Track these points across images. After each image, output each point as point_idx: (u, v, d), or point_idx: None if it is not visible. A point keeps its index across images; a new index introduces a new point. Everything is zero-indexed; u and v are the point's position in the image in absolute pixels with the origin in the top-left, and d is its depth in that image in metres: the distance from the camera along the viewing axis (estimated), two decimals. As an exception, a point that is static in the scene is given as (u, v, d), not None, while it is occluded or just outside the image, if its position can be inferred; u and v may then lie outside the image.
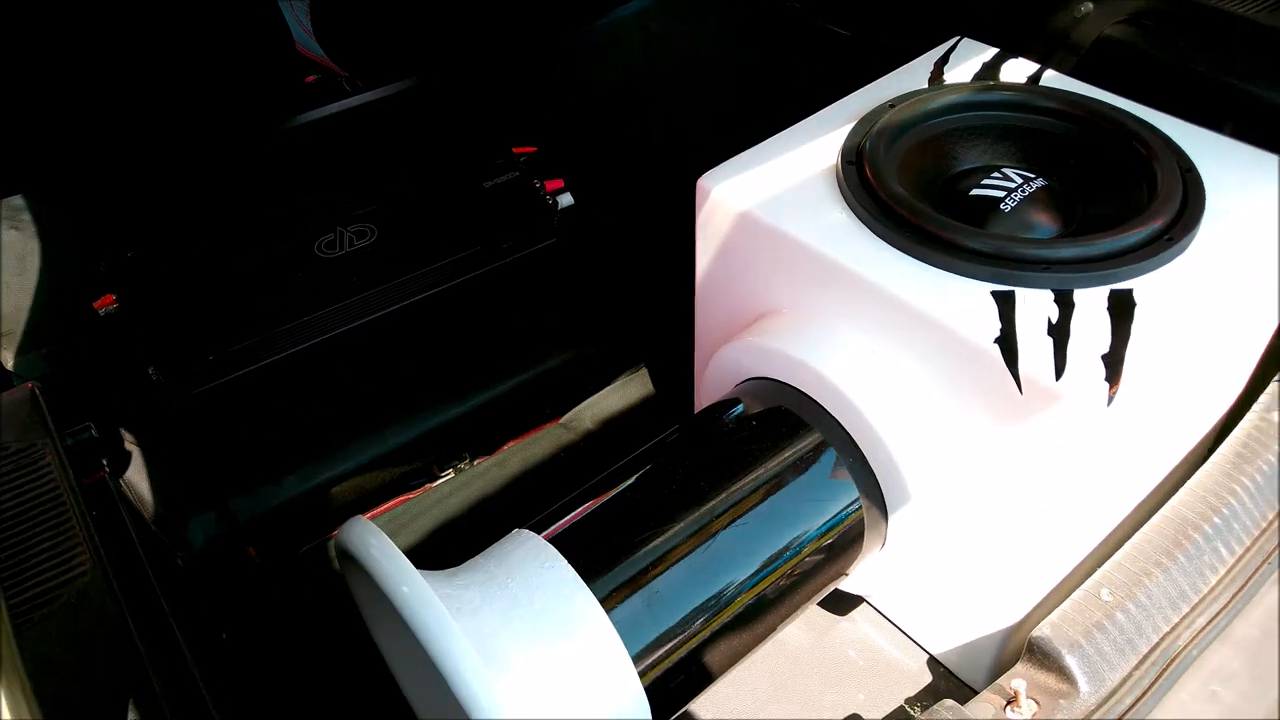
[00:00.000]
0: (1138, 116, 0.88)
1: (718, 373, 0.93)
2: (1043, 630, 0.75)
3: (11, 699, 0.50)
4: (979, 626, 0.88)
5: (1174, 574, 0.80)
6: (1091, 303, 0.75)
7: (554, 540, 0.76)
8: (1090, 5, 1.04)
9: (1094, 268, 0.76)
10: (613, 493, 0.80)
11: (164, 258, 1.13)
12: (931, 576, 0.88)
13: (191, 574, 0.98)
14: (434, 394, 1.17)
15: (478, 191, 1.23)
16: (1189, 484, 0.85)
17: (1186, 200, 0.80)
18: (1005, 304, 0.75)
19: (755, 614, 0.79)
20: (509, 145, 1.28)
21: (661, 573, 0.75)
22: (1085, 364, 0.71)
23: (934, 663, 0.95)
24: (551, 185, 1.25)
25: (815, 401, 0.83)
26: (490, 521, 0.79)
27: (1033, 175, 0.87)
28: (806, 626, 0.99)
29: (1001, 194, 0.86)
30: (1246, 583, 0.82)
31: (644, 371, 1.24)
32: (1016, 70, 0.99)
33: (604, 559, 0.75)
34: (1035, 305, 0.75)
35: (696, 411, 0.94)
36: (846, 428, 0.82)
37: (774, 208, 0.86)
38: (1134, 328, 0.73)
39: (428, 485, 1.14)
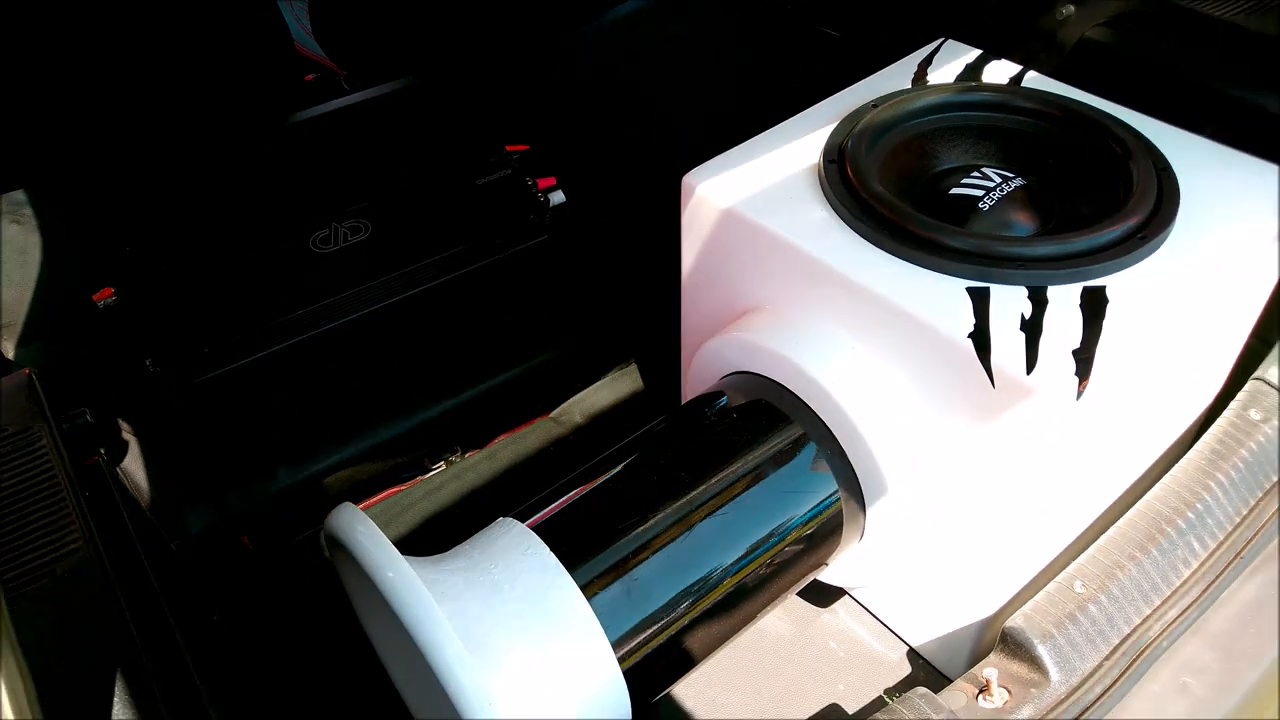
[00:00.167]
0: (1115, 117, 0.90)
1: (702, 367, 0.95)
2: (1016, 621, 0.77)
3: (7, 674, 0.51)
4: (956, 618, 0.89)
5: (1147, 568, 0.81)
6: (1065, 300, 0.77)
7: (537, 528, 0.77)
8: (1072, 8, 1.06)
9: (1067, 265, 0.77)
10: (595, 482, 0.82)
11: (162, 252, 1.15)
12: (909, 569, 0.90)
13: (184, 558, 1.00)
14: (426, 387, 1.18)
15: (471, 189, 1.25)
16: (1164, 479, 0.86)
17: (1161, 199, 0.82)
18: (980, 300, 0.77)
19: (734, 603, 0.81)
20: (502, 143, 1.30)
21: (642, 560, 0.77)
22: (1057, 359, 0.73)
23: (913, 654, 0.97)
24: (544, 183, 1.27)
25: (795, 395, 0.85)
26: (480, 513, 0.80)
27: (1011, 175, 0.89)
28: (788, 618, 1.00)
29: (980, 193, 0.87)
30: (1219, 577, 0.84)
31: (633, 367, 1.26)
32: (999, 71, 1.00)
33: (586, 546, 0.77)
34: (1009, 301, 0.76)
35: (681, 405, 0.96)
36: (825, 421, 0.83)
37: (756, 205, 0.87)
38: (1106, 324, 0.75)
39: (419, 477, 1.16)
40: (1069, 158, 0.89)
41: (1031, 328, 0.75)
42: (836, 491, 0.84)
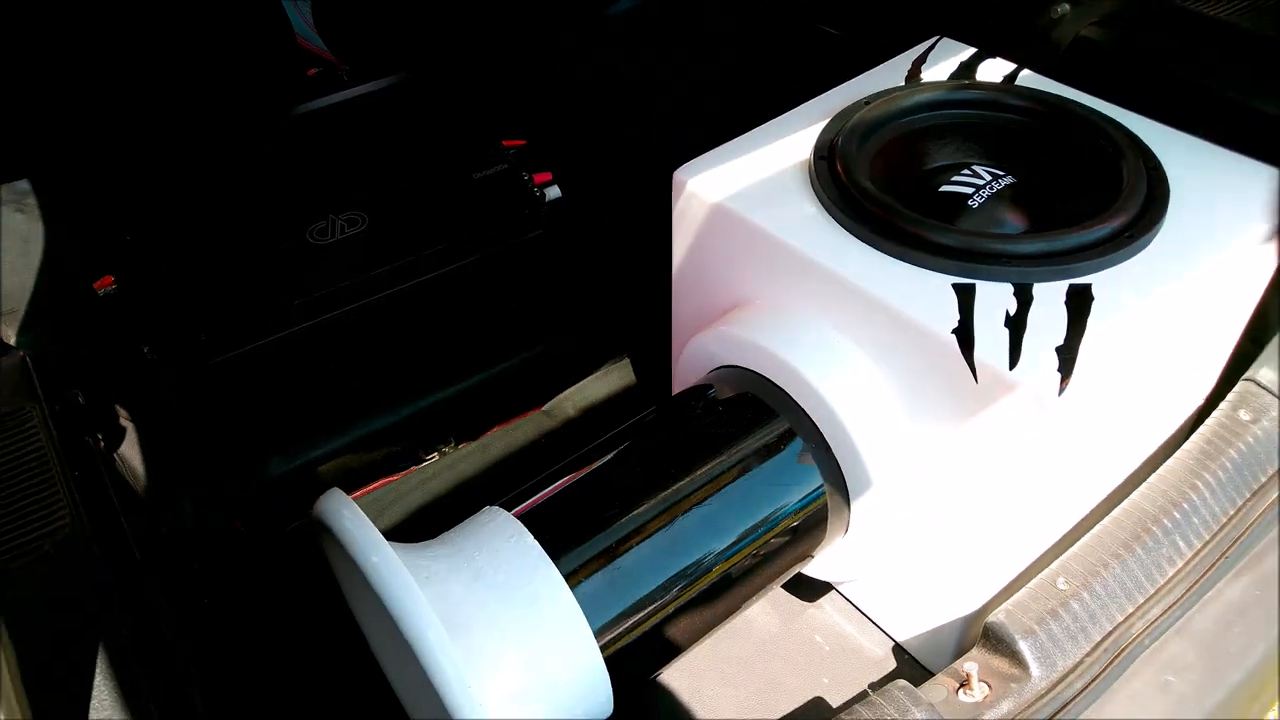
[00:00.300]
0: (1106, 115, 0.90)
1: (691, 361, 0.96)
2: (998, 616, 0.77)
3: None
4: (941, 614, 0.90)
5: (1131, 566, 0.81)
6: (1051, 297, 0.77)
7: (523, 517, 0.78)
8: (1067, 6, 1.06)
9: (1053, 263, 0.77)
10: (582, 472, 0.83)
11: (161, 241, 1.16)
12: (895, 564, 0.90)
13: (175, 542, 1.02)
14: (421, 379, 1.19)
15: (467, 182, 1.26)
16: (1152, 478, 0.86)
17: (1150, 198, 0.82)
18: (965, 296, 0.77)
19: (717, 593, 0.81)
20: (499, 138, 1.31)
21: (626, 549, 0.78)
22: (1040, 355, 0.73)
23: (899, 650, 0.97)
24: (540, 178, 1.28)
25: (782, 389, 0.85)
26: (471, 503, 0.81)
27: (1002, 172, 0.89)
28: (775, 612, 1.01)
29: (970, 190, 0.88)
30: (1204, 576, 0.84)
31: (626, 361, 1.26)
32: (994, 70, 1.00)
33: (570, 535, 0.77)
34: (995, 298, 0.77)
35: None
36: (811, 416, 0.84)
37: (745, 200, 0.88)
38: (1090, 322, 0.75)
39: (412, 467, 1.17)
40: (1059, 156, 0.89)
41: (1015, 324, 0.75)
42: (821, 486, 0.84)
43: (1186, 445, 0.88)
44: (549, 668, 0.71)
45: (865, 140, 0.90)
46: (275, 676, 0.97)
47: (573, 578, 0.75)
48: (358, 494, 1.14)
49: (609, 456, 0.84)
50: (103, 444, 0.97)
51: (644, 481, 0.81)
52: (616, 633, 0.76)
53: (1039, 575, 0.79)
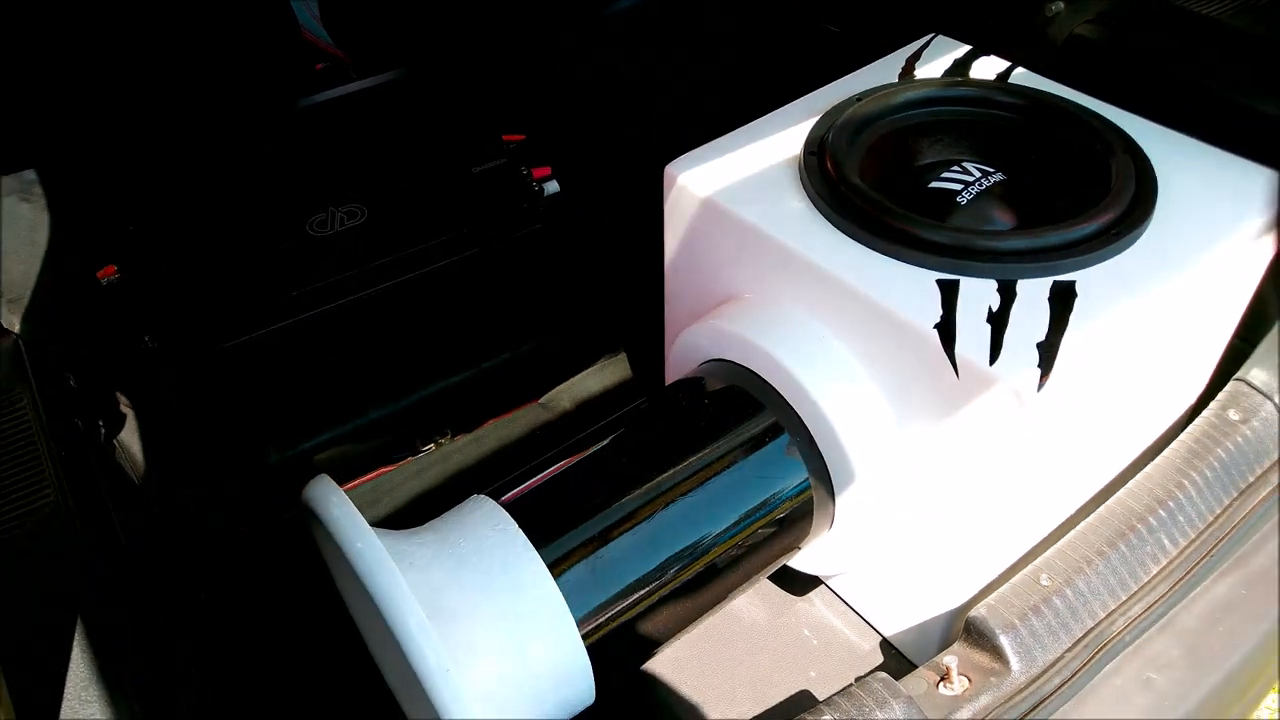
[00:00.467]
0: (1096, 113, 0.90)
1: (681, 354, 0.96)
2: (979, 611, 0.78)
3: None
4: (926, 609, 0.90)
5: (1114, 563, 0.81)
6: (1035, 294, 0.77)
7: (509, 505, 0.79)
8: (1061, 5, 1.06)
9: (1038, 259, 0.77)
10: (568, 463, 0.84)
11: (163, 232, 1.18)
12: (880, 558, 0.91)
13: (170, 531, 1.03)
14: (418, 371, 1.21)
15: (466, 176, 1.27)
16: (1138, 476, 0.86)
17: (1137, 196, 0.82)
18: (949, 292, 0.77)
19: (701, 584, 0.82)
20: (499, 133, 1.32)
21: (610, 540, 0.78)
22: (1020, 352, 0.73)
23: (886, 644, 0.97)
24: (539, 173, 1.29)
25: (768, 383, 0.86)
26: (465, 494, 0.82)
27: (991, 170, 0.89)
28: (764, 605, 1.01)
29: (959, 187, 0.88)
30: (1188, 574, 0.84)
31: (622, 355, 1.27)
32: (988, 67, 1.01)
33: (554, 525, 0.78)
34: (978, 294, 0.77)
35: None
36: (796, 410, 0.84)
37: (735, 195, 0.88)
38: (1073, 319, 0.75)
39: (408, 458, 1.18)
40: (1049, 153, 0.89)
41: (998, 320, 0.75)
42: (806, 479, 0.85)
43: (1175, 444, 0.88)
44: (529, 654, 0.72)
45: (856, 136, 0.90)
46: (270, 666, 0.98)
47: (556, 566, 0.75)
48: (353, 484, 1.15)
49: (595, 447, 0.85)
50: (104, 431, 0.98)
51: (629, 472, 0.82)
52: (599, 621, 0.77)
53: (1022, 572, 0.80)
